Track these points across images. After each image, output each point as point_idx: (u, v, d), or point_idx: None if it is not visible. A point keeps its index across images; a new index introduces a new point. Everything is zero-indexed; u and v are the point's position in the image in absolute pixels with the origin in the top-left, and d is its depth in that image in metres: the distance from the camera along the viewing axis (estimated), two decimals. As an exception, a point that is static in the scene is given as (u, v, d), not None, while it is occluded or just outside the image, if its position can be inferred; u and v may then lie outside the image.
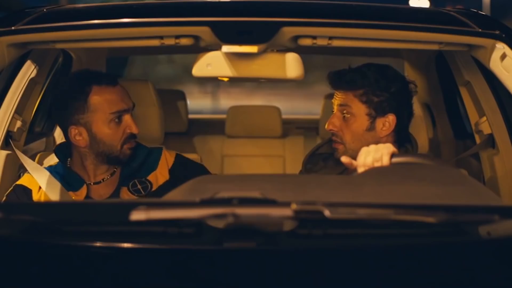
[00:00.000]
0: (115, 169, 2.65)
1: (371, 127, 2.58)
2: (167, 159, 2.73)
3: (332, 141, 2.68)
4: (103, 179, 2.64)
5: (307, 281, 1.49)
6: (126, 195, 2.61)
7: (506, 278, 1.54)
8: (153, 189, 2.63)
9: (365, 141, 2.55)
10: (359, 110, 2.57)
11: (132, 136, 2.60)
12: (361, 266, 1.55)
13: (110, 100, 2.57)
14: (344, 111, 2.58)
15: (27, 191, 2.58)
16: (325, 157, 2.71)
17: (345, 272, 1.54)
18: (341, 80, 2.60)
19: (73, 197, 2.57)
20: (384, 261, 1.57)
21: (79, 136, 2.58)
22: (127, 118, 2.59)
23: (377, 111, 2.58)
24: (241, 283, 1.49)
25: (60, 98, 2.64)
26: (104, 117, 2.56)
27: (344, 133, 2.59)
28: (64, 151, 2.67)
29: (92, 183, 2.63)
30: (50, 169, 2.65)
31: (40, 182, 2.57)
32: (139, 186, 2.63)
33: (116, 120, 2.57)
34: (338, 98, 2.61)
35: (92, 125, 2.57)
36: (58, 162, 2.68)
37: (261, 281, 1.49)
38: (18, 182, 2.62)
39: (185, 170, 2.65)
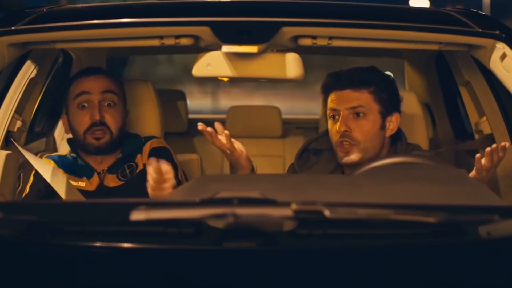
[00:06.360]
0: (116, 158, 2.69)
1: (382, 126, 2.55)
2: (155, 143, 2.76)
3: (323, 136, 2.67)
4: (102, 171, 2.68)
5: (307, 281, 1.49)
6: (111, 182, 2.66)
7: (506, 278, 1.54)
8: (137, 170, 2.67)
9: (375, 141, 2.54)
10: (373, 108, 2.53)
11: (98, 124, 2.62)
12: (361, 266, 1.55)
13: (76, 84, 2.67)
14: (358, 110, 2.52)
15: None
16: (315, 152, 2.69)
17: (345, 272, 1.53)
18: (353, 78, 2.54)
19: (85, 185, 2.63)
20: (384, 261, 1.57)
21: (66, 124, 2.70)
22: (93, 105, 2.63)
23: (386, 110, 2.56)
24: (241, 283, 1.49)
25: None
26: (71, 101, 2.67)
27: (357, 133, 2.51)
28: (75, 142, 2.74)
29: (98, 172, 2.68)
30: (59, 158, 2.71)
31: (46, 176, 2.59)
32: (127, 171, 2.68)
33: (81, 106, 2.64)
34: (347, 98, 2.52)
35: (68, 111, 2.69)
36: (67, 154, 2.74)
37: (261, 281, 1.49)
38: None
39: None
